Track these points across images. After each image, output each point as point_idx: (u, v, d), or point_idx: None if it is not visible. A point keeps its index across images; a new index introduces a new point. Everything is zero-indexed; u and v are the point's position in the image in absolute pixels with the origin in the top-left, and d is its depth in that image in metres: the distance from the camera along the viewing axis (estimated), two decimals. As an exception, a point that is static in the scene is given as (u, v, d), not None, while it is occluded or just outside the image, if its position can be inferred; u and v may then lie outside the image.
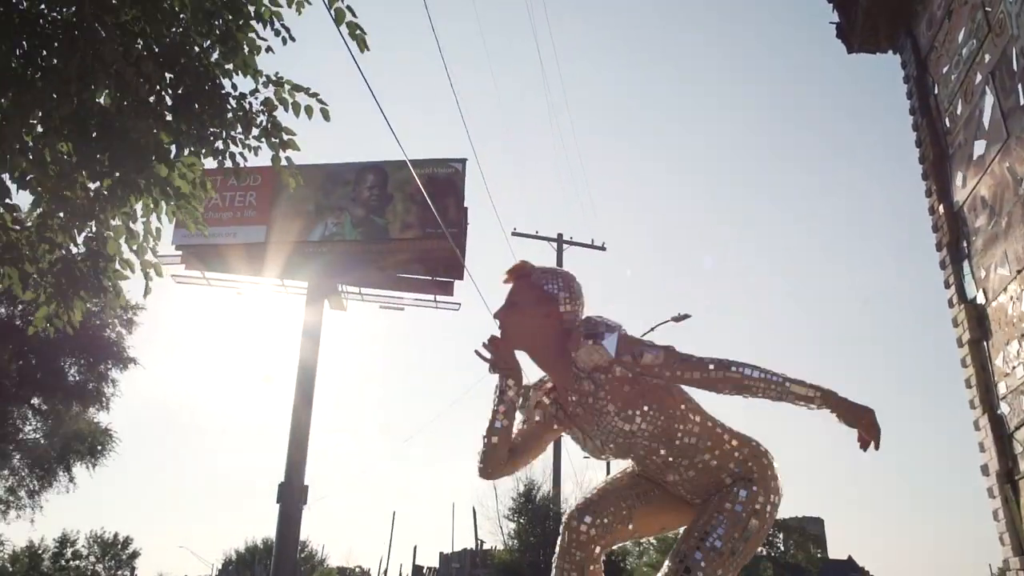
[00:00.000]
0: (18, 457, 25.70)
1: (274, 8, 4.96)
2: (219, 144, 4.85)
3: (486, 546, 23.84)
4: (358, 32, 4.92)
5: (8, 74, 4.09)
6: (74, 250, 4.90)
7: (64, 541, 48.63)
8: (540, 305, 2.22)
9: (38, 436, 26.24)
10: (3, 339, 23.99)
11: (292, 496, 15.59)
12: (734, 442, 2.22)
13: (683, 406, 2.21)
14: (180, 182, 4.54)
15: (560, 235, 21.74)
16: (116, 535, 51.37)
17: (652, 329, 20.51)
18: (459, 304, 18.72)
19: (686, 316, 20.42)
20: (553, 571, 2.21)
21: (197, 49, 4.84)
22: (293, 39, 5.16)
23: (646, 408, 2.16)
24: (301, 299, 18.58)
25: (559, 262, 21.35)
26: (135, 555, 51.92)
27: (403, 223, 18.26)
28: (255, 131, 4.98)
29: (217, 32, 4.81)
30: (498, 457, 2.27)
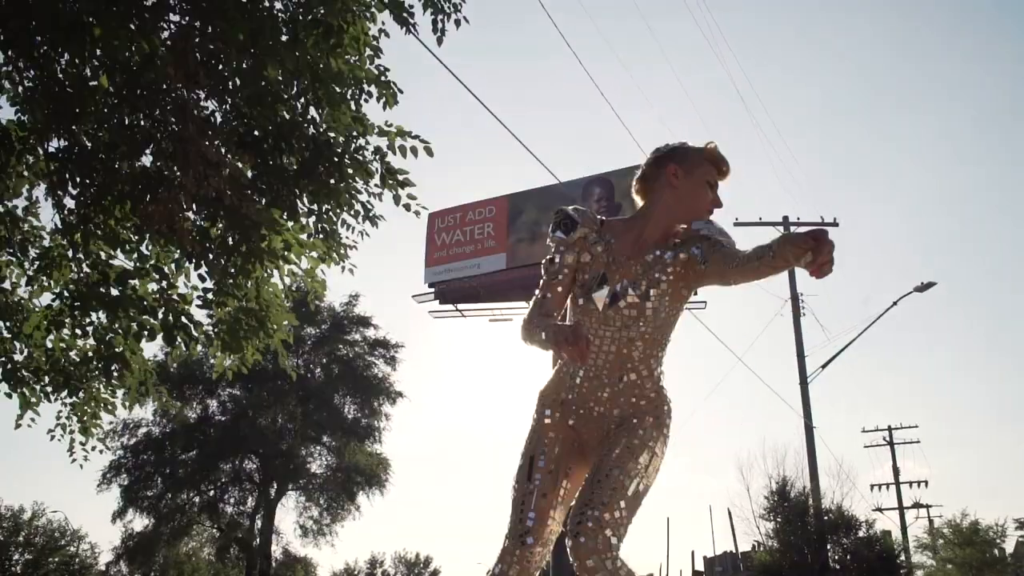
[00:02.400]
0: (313, 491, 28.47)
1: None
2: (344, 196, 4.97)
3: (745, 548, 22.85)
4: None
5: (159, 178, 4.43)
6: (223, 313, 5.19)
7: (374, 563, 53.35)
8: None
9: (326, 471, 28.92)
10: (287, 391, 26.91)
11: None
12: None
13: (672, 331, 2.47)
14: (294, 247, 4.64)
15: (785, 217, 20.55)
16: (418, 555, 55.42)
17: (895, 303, 19.45)
18: (705, 302, 18.17)
19: (931, 284, 19.12)
20: None
21: (311, 118, 4.97)
22: (401, 91, 5.31)
23: (675, 305, 2.42)
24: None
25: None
26: (436, 573, 55.68)
27: (631, 230, 18.14)
28: (375, 179, 5.12)
29: (325, 100, 4.92)
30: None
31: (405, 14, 5.97)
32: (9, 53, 5.16)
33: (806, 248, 1.89)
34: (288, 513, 32.84)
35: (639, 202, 2.52)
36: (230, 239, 4.64)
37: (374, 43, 4.41)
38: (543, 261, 2.50)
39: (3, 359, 5.51)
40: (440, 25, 5.83)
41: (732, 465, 54.19)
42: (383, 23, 6.20)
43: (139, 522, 27.40)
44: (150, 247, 5.01)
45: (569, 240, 2.44)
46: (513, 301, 19.74)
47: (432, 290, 20.38)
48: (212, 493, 27.61)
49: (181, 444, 27.37)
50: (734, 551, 24.65)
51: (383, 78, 6.05)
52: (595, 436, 2.41)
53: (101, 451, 6.16)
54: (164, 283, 5.05)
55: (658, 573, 26.42)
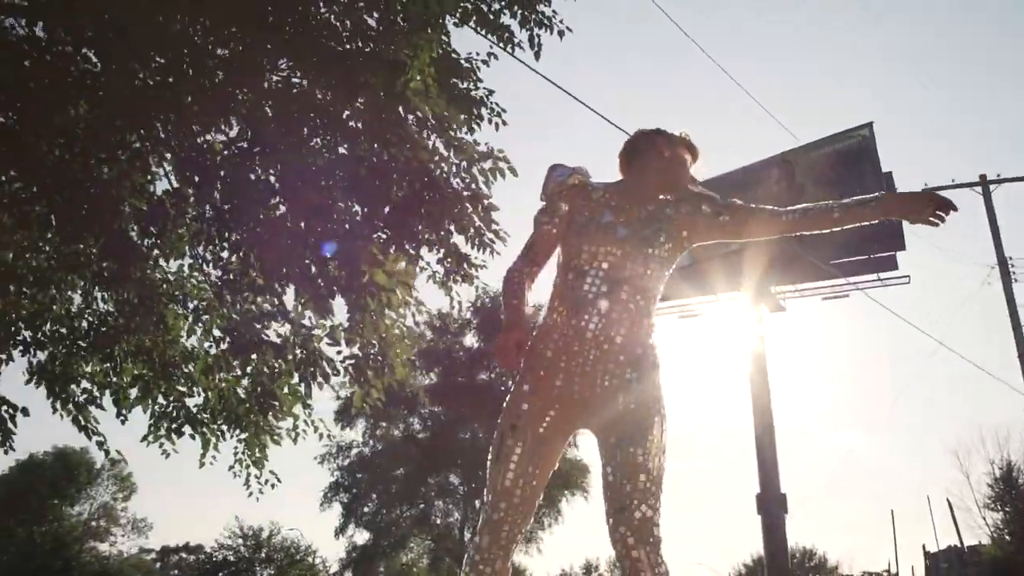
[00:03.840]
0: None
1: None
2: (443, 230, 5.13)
3: (971, 541, 20.87)
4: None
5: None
6: (349, 350, 5.51)
7: (589, 568, 53.81)
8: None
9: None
10: (482, 404, 27.82)
11: (771, 506, 15.41)
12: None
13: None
14: (385, 281, 4.84)
15: (983, 176, 18.60)
16: (632, 557, 55.08)
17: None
18: (908, 277, 16.95)
19: None
20: None
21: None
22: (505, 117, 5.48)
23: (673, 254, 2.48)
24: (738, 310, 18.63)
25: (989, 207, 18.51)
26: (652, 574, 55.08)
27: (820, 209, 17.31)
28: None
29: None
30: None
31: (507, 34, 6.10)
32: (169, 129, 5.77)
33: (933, 209, 2.21)
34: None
35: (620, 176, 2.63)
36: (342, 277, 4.93)
37: (430, 73, 4.52)
38: (536, 213, 2.54)
39: (178, 404, 6.15)
40: (537, 40, 5.89)
41: (945, 453, 49.64)
42: (491, 47, 6.38)
43: (359, 536, 29.28)
44: (280, 290, 5.40)
45: (568, 182, 2.48)
46: (698, 296, 19.39)
47: None
48: (422, 506, 28.97)
49: (390, 462, 28.95)
50: (959, 544, 22.66)
51: (488, 99, 6.21)
52: (587, 390, 2.34)
53: (273, 484, 6.65)
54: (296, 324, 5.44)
55: (887, 568, 24.83)
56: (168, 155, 5.77)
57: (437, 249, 5.33)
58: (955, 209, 2.22)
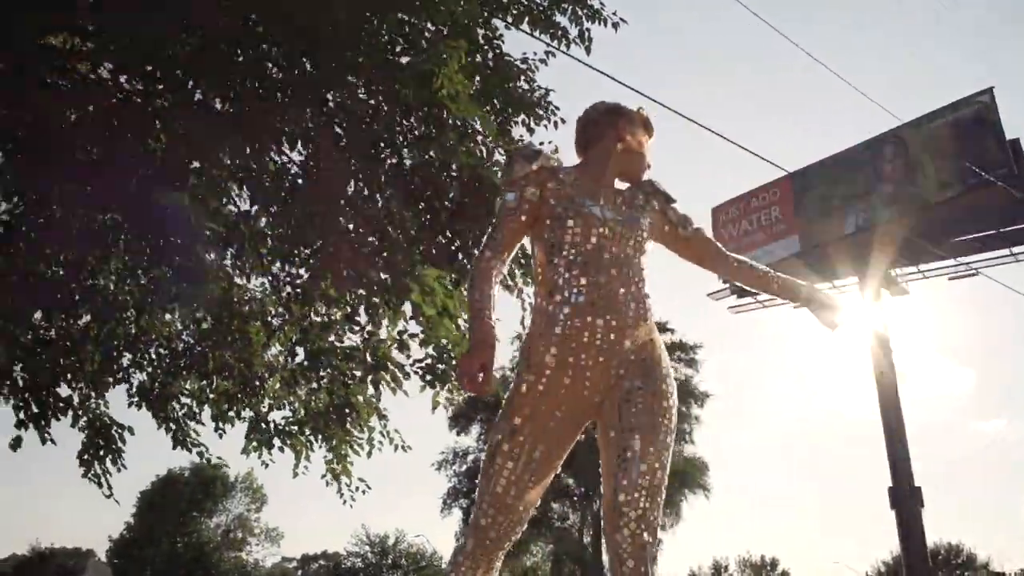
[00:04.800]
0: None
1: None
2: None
3: None
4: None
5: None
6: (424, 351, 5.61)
7: (718, 568, 52.60)
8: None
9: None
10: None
11: (904, 500, 14.79)
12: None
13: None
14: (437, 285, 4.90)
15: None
16: (763, 557, 53.67)
17: None
18: None
19: None
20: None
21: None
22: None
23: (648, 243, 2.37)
24: (856, 295, 17.87)
25: None
26: (784, 574, 53.49)
27: (939, 184, 16.16)
28: None
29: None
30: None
31: (560, 31, 6.07)
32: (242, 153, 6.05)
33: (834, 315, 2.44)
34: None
35: (577, 160, 2.50)
36: (388, 282, 5.02)
37: (459, 80, 4.51)
38: (497, 201, 2.37)
39: (265, 417, 6.40)
40: (587, 35, 5.84)
41: None
42: (550, 47, 6.36)
43: (480, 541, 29.62)
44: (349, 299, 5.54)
45: (532, 168, 2.32)
46: (817, 283, 18.75)
47: (726, 285, 20.28)
48: (534, 509, 29.08)
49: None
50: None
51: (544, 100, 6.20)
52: (599, 384, 2.20)
53: (364, 491, 6.81)
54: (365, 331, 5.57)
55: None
56: (238, 178, 6.02)
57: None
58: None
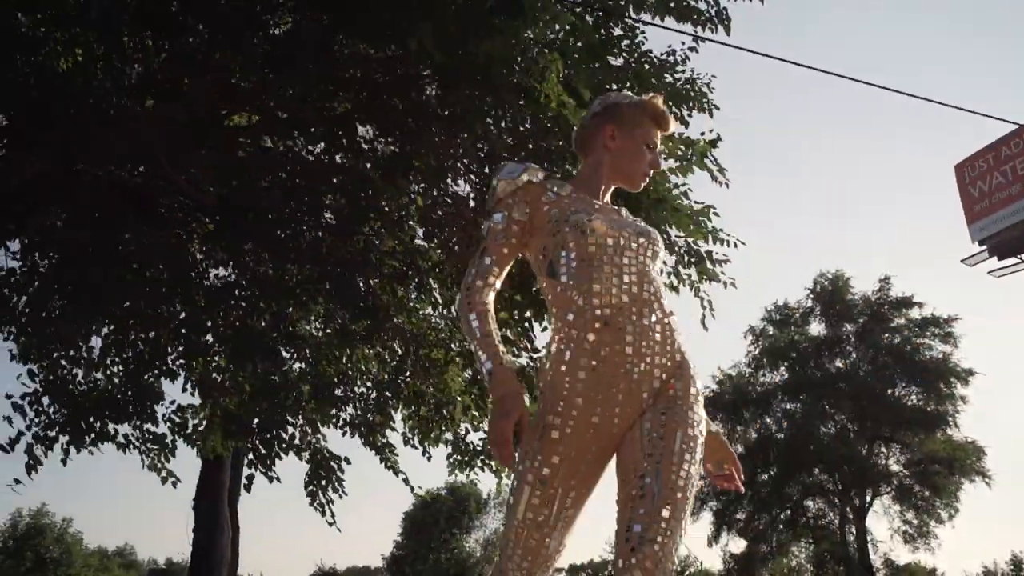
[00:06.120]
0: (901, 492, 26.64)
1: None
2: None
3: None
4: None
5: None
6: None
7: (1018, 563, 47.08)
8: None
9: (903, 470, 26.91)
10: (838, 394, 26.03)
11: None
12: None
13: None
14: None
15: None
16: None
17: None
18: None
19: None
20: None
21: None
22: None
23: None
24: None
25: None
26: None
27: None
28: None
29: None
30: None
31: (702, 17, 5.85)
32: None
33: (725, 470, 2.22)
34: (879, 519, 31.16)
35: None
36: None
37: (558, 93, 4.42)
38: (484, 224, 2.14)
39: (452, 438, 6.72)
40: (724, 14, 5.55)
41: None
42: (683, 42, 6.19)
43: (733, 544, 28.71)
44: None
45: (521, 179, 2.10)
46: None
47: (984, 247, 18.53)
48: (790, 509, 27.70)
49: (751, 465, 28.16)
50: None
51: (694, 89, 6.01)
52: (631, 417, 1.95)
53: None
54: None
55: None
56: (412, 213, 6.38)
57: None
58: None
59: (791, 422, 27.61)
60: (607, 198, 2.23)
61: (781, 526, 27.88)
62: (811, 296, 29.17)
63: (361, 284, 6.48)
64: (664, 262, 4.98)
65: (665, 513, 1.77)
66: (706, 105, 6.13)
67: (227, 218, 6.09)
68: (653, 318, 1.97)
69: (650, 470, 1.83)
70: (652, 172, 2.25)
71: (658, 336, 1.97)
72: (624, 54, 5.89)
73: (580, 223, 2.02)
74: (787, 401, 28.13)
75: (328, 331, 7.03)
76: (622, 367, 1.92)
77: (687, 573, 36.26)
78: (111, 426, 6.57)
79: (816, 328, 29.30)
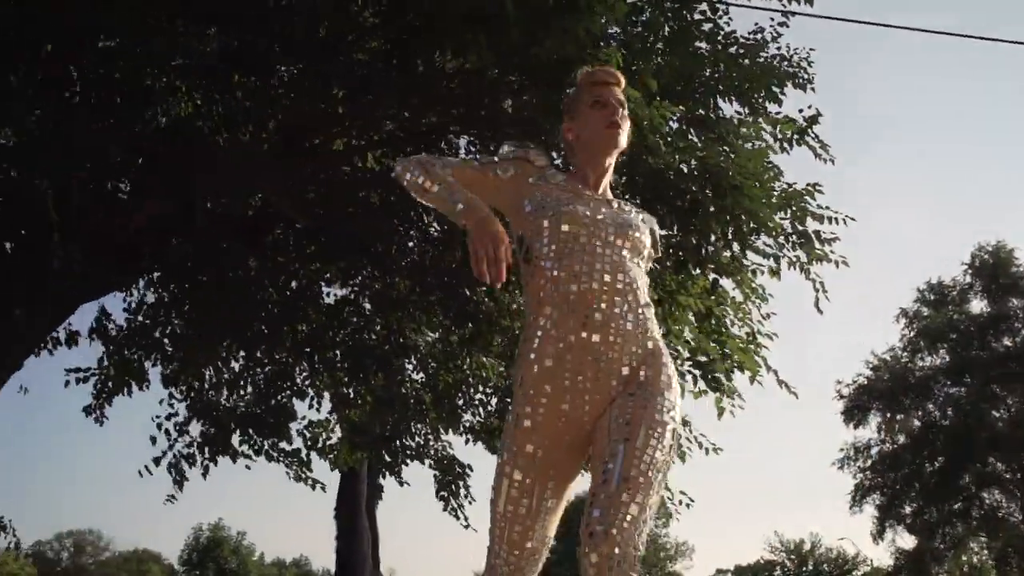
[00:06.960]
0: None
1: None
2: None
3: None
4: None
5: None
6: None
7: None
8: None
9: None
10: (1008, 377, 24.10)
11: None
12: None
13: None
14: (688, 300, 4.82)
15: None
16: None
17: None
18: None
19: None
20: None
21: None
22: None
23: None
24: None
25: None
26: None
27: None
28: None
29: None
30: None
31: None
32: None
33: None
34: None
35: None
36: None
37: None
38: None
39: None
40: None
41: None
42: (772, 19, 5.98)
43: (900, 539, 27.12)
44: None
45: (519, 153, 2.17)
46: None
47: None
48: (963, 501, 25.86)
49: (915, 455, 26.52)
50: None
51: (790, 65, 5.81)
52: (600, 406, 1.94)
53: (688, 504, 6.93)
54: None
55: None
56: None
57: (730, 245, 5.05)
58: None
59: (956, 408, 25.79)
60: (605, 186, 2.21)
61: (954, 519, 26.05)
62: (969, 272, 27.14)
63: (467, 292, 6.63)
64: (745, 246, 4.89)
65: (625, 497, 1.74)
66: (802, 80, 5.90)
67: (332, 239, 6.42)
68: (625, 307, 1.96)
69: (614, 455, 1.81)
70: (621, 121, 2.17)
71: (629, 326, 1.96)
72: (706, 40, 5.76)
73: (557, 211, 2.03)
74: (950, 385, 26.30)
75: (440, 341, 7.24)
76: (589, 355, 1.92)
77: (858, 573, 34.60)
78: (258, 439, 7.03)
79: (977, 305, 27.23)
